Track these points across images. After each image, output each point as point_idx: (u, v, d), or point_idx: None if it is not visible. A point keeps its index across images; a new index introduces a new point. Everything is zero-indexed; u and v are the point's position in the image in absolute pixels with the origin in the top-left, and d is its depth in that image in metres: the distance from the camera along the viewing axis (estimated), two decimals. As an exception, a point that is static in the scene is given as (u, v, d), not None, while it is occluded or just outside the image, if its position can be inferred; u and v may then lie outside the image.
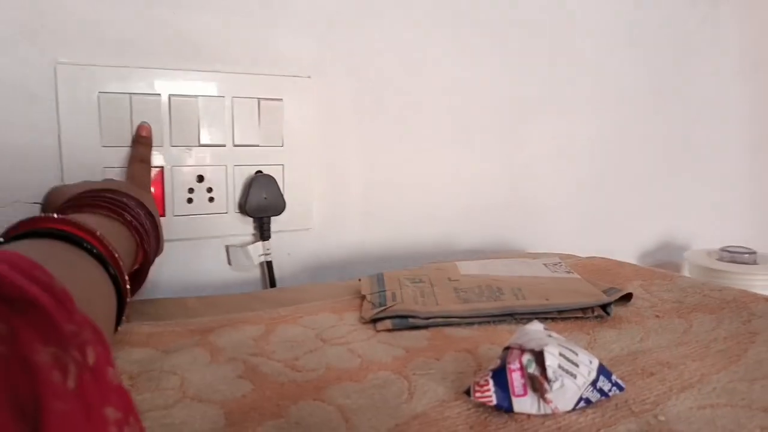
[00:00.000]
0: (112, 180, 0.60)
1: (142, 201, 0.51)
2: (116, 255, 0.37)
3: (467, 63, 0.85)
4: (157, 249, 0.53)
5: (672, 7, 1.06)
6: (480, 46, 0.86)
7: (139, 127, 0.63)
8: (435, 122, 0.84)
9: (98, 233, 0.36)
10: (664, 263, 1.16)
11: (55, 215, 0.36)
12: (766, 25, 1.20)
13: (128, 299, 0.38)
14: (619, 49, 1.01)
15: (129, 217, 0.46)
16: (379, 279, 0.63)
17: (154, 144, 0.64)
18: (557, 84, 0.95)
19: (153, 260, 0.51)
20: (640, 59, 1.04)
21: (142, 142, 0.63)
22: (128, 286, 0.38)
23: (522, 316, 0.53)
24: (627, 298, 0.59)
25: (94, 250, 0.35)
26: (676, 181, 1.15)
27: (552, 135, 0.96)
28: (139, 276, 0.48)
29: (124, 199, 0.48)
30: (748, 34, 1.18)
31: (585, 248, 0.94)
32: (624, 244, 1.11)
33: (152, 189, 0.64)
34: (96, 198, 0.46)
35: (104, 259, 0.36)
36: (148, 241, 0.48)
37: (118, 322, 0.38)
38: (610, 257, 0.77)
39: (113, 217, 0.45)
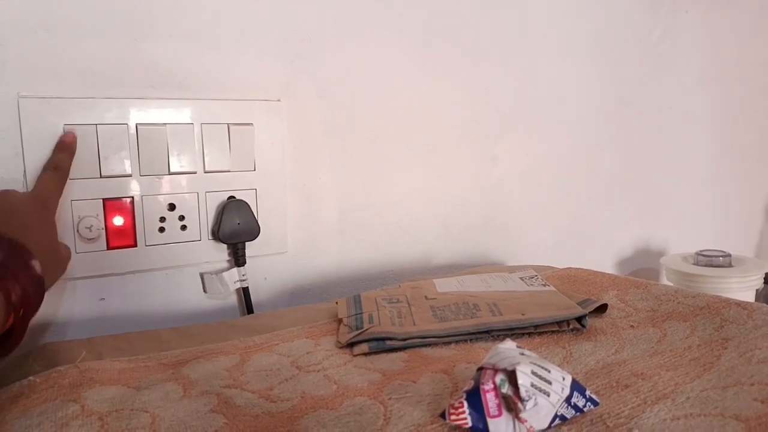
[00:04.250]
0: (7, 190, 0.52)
1: (21, 240, 0.42)
2: None
3: (437, 82, 0.86)
4: (42, 288, 0.43)
5: (635, 19, 1.09)
6: (449, 66, 0.87)
7: (64, 134, 0.59)
8: (407, 141, 0.85)
9: None
10: (641, 270, 1.17)
11: None
12: (725, 34, 1.24)
13: None
14: (584, 63, 1.03)
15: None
16: (356, 300, 0.63)
17: (123, 173, 0.63)
18: (526, 100, 0.96)
19: (39, 301, 0.43)
20: (606, 71, 1.06)
21: (60, 149, 0.59)
22: None
23: (498, 333, 0.53)
24: (602, 308, 0.59)
25: None
26: (649, 188, 1.17)
27: (524, 150, 0.97)
28: (12, 335, 0.41)
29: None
30: (709, 43, 1.21)
31: (563, 259, 0.95)
32: (602, 253, 1.12)
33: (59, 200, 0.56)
34: None
35: None
36: (20, 301, 0.40)
37: None
38: (588, 267, 0.77)
39: None
